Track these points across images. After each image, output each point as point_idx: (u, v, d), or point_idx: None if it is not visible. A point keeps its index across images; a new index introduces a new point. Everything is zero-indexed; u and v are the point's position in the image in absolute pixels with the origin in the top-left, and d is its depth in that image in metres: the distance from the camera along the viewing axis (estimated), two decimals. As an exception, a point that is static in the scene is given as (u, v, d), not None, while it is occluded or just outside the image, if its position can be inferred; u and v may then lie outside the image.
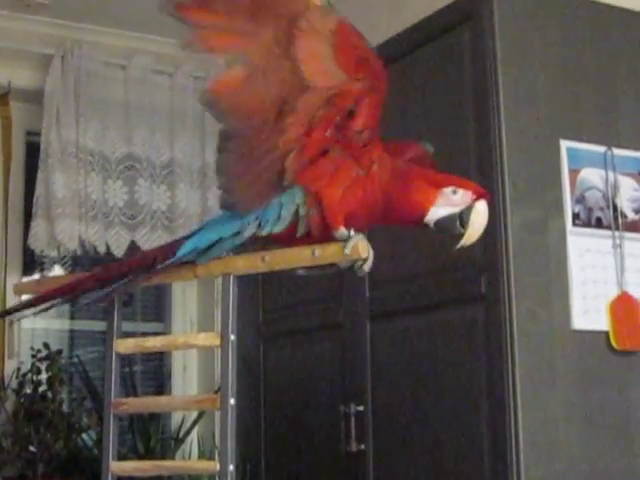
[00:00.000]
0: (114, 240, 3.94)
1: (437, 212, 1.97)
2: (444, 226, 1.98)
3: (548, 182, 2.86)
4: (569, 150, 2.90)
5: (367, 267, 1.99)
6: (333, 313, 3.44)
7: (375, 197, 1.99)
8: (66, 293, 2.22)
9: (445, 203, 1.96)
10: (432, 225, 1.99)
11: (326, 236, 1.99)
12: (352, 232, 1.96)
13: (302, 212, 2.00)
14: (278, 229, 2.01)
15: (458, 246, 1.98)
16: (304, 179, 1.99)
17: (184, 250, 2.08)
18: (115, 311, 2.28)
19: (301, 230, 2.00)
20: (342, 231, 1.96)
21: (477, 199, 1.98)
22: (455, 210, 1.97)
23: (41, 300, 2.24)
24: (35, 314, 2.28)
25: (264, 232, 2.02)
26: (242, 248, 2.10)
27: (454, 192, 1.97)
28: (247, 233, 2.04)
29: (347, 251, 1.94)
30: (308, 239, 2.02)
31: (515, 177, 2.80)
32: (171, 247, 2.13)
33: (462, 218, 1.97)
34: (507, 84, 2.85)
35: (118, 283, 2.14)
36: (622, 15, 3.10)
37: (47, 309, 2.24)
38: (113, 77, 4.05)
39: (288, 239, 2.04)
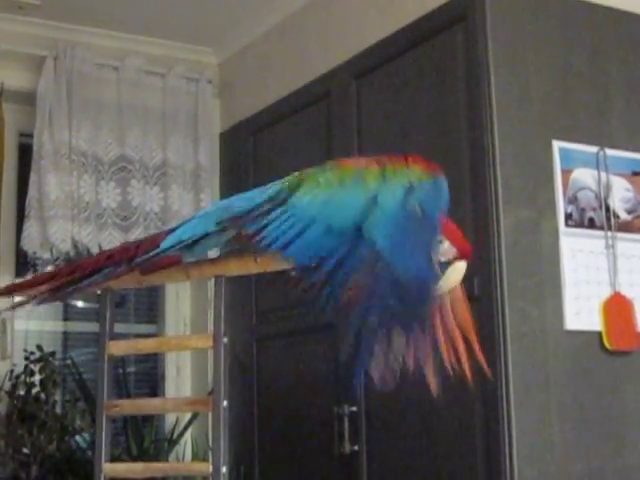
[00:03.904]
0: (107, 242, 3.93)
1: None
2: None
3: (540, 182, 2.86)
4: (561, 150, 2.90)
5: None
6: (326, 314, 3.43)
7: None
8: (46, 285, 2.20)
9: None
10: None
11: None
12: None
13: None
14: None
15: None
16: None
17: (168, 242, 2.03)
18: (107, 313, 2.27)
19: None
20: None
21: (460, 258, 1.98)
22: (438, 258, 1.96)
23: (23, 289, 2.23)
24: (14, 307, 2.28)
25: (249, 231, 2.00)
26: (228, 248, 2.08)
27: (441, 242, 1.97)
28: (234, 230, 2.02)
29: None
30: None
31: (507, 178, 2.80)
32: (154, 239, 2.09)
33: (440, 268, 1.96)
34: (500, 85, 2.85)
35: (98, 275, 2.10)
36: (615, 15, 3.11)
37: (25, 303, 2.23)
38: (106, 78, 4.04)
39: None
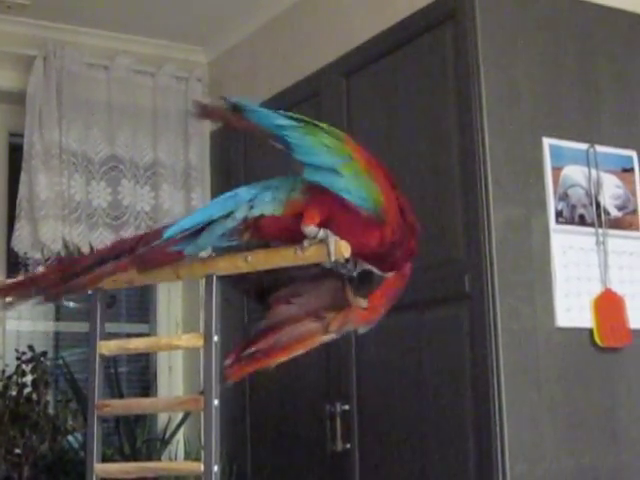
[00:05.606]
0: (98, 241, 3.93)
1: None
2: None
3: (531, 180, 2.86)
4: (552, 148, 2.90)
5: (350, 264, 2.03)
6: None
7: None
8: (43, 284, 2.18)
9: None
10: None
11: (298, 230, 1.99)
12: (322, 232, 1.96)
13: (294, 195, 2.01)
14: (269, 211, 2.00)
15: None
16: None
17: (171, 231, 2.02)
18: (98, 312, 2.26)
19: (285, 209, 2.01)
20: (311, 228, 1.96)
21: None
22: None
23: (16, 289, 2.22)
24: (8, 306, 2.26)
25: (256, 212, 2.00)
26: (229, 241, 2.07)
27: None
28: (240, 214, 2.01)
29: (331, 249, 1.95)
30: (288, 236, 2.01)
31: (498, 175, 2.80)
32: (156, 232, 2.09)
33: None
34: (490, 82, 2.85)
35: (101, 268, 2.09)
36: (604, 13, 3.11)
37: (20, 301, 2.22)
38: (95, 78, 4.03)
39: (272, 229, 2.03)
